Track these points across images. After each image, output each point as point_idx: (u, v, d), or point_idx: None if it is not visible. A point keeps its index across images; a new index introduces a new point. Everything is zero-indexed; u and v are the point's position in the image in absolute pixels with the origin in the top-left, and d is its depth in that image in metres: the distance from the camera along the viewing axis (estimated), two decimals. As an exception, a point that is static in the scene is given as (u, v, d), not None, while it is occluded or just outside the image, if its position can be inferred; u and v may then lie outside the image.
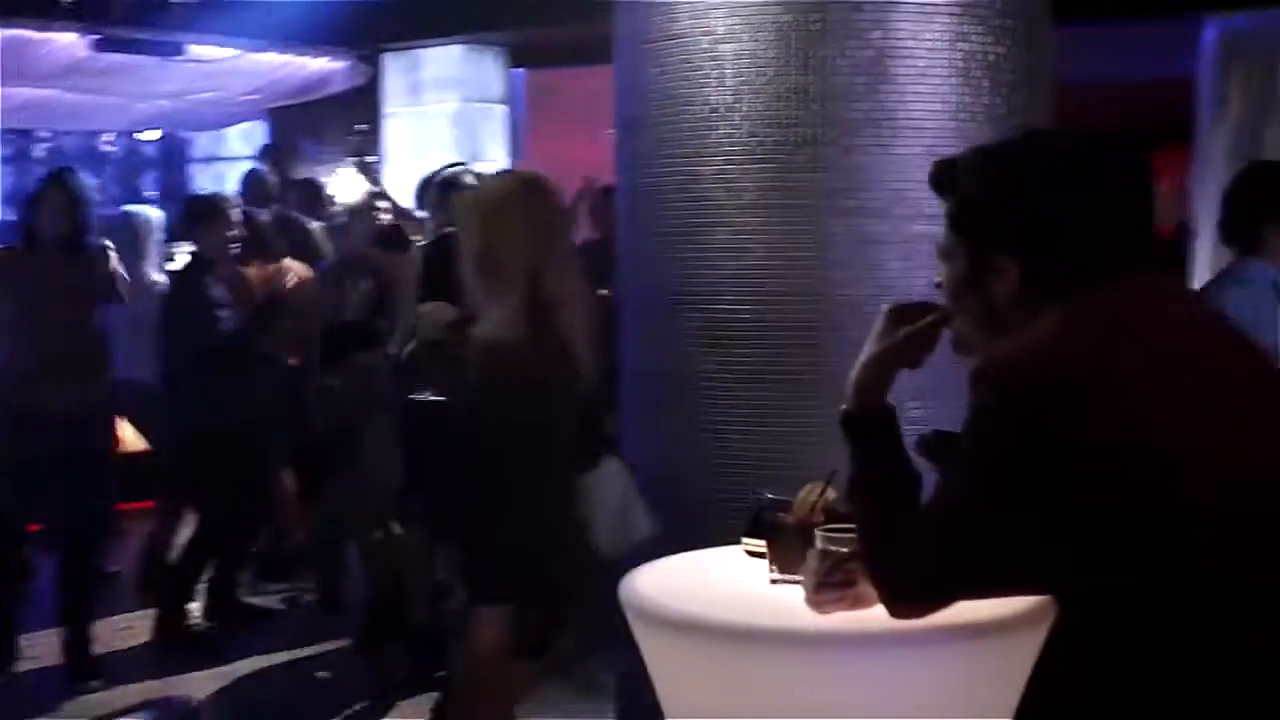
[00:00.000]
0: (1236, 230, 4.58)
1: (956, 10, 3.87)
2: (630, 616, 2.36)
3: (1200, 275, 8.82)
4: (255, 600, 7.02)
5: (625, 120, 4.24)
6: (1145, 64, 9.77)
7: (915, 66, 3.86)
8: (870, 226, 3.89)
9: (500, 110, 11.07)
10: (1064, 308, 2.00)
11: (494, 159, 10.63)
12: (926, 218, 3.91)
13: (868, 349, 2.24)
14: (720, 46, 3.92)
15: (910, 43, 3.85)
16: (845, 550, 2.20)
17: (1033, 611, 2.15)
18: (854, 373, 2.24)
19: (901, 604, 2.08)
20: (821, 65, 3.85)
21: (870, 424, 2.22)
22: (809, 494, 2.44)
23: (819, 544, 2.25)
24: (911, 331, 2.21)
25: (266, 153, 10.50)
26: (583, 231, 7.47)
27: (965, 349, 2.17)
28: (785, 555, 2.41)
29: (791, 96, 3.87)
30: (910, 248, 3.90)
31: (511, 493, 3.71)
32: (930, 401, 3.89)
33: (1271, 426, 1.96)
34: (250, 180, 8.67)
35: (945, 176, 2.17)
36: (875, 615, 2.17)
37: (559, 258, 3.72)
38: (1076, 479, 1.89)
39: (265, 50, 10.61)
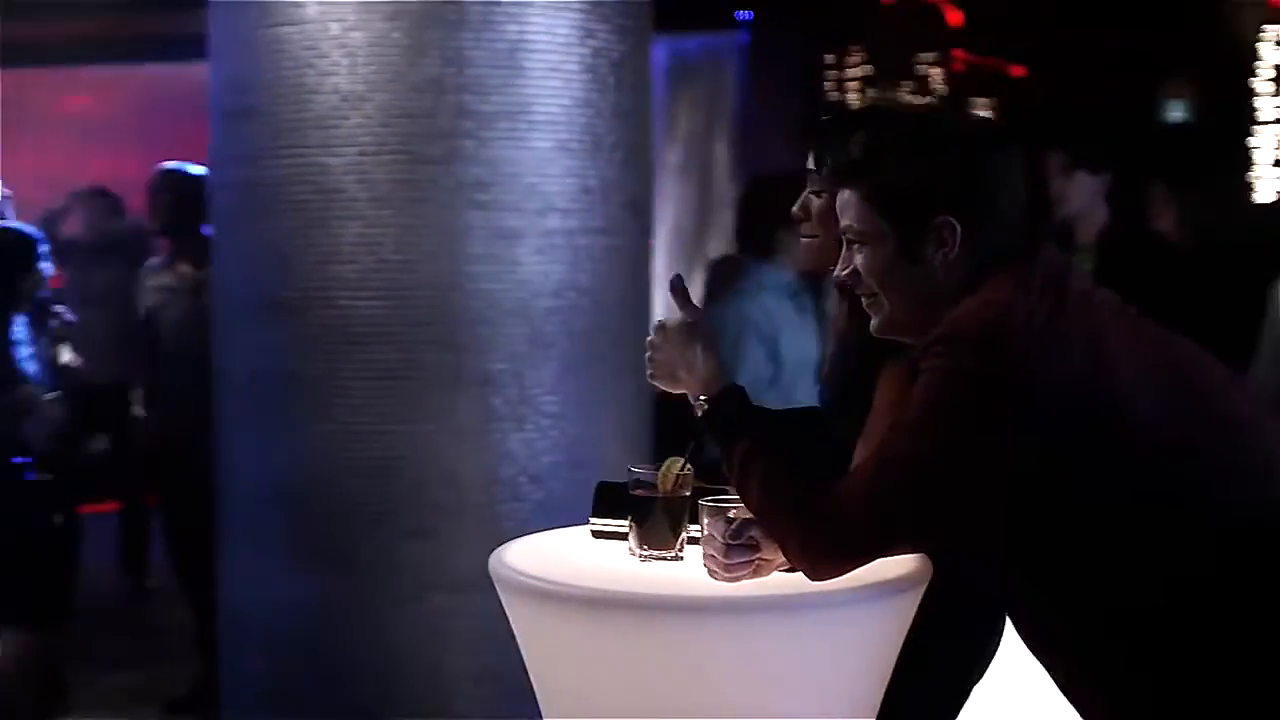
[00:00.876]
0: (752, 237, 4.85)
1: (585, 7, 3.93)
2: (514, 597, 2.25)
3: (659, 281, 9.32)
4: None
5: (231, 110, 4.01)
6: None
7: (549, 61, 3.88)
8: (506, 220, 3.87)
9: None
10: (1009, 272, 2.07)
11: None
12: (560, 211, 3.96)
13: (697, 339, 2.29)
14: (352, 34, 3.79)
15: (544, 37, 3.87)
16: (746, 515, 2.20)
17: (912, 574, 2.22)
18: (701, 366, 2.28)
19: (829, 565, 2.09)
20: (458, 56, 3.81)
21: (739, 404, 2.26)
22: (670, 468, 2.41)
23: (709, 514, 2.24)
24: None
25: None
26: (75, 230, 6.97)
27: (896, 329, 2.21)
28: (653, 531, 2.39)
29: (427, 88, 3.80)
30: (546, 241, 3.92)
31: None
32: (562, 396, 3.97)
33: (1190, 380, 2.11)
34: None
35: (848, 166, 2.20)
36: (767, 581, 2.19)
37: None
38: (1039, 432, 1.98)
39: None
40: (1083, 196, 4.80)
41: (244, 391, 4.06)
